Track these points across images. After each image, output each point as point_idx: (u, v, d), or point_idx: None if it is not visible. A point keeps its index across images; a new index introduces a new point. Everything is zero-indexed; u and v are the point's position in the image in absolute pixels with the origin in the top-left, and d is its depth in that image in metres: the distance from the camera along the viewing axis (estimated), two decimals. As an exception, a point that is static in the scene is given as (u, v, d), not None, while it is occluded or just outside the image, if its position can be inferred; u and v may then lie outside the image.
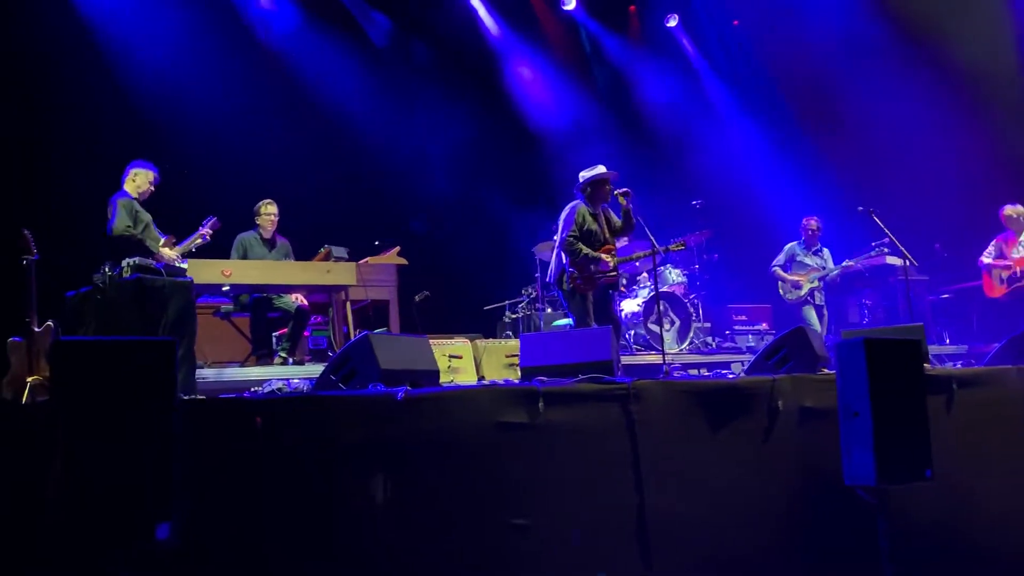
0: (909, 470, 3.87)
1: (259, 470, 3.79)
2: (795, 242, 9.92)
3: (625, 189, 7.28)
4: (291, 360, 7.75)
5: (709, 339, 9.92)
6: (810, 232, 9.80)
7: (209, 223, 7.09)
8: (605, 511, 4.32)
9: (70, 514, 2.59)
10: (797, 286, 9.71)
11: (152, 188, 6.80)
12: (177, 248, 6.70)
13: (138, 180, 6.73)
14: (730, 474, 4.61)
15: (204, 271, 7.00)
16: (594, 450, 4.39)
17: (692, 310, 9.73)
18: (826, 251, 9.93)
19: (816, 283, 9.64)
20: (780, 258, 9.94)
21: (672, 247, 7.71)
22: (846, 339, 4.01)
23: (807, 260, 9.80)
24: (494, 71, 12.26)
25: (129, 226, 6.30)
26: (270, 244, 8.07)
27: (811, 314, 9.65)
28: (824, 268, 9.74)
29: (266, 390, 4.62)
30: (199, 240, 6.95)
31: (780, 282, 9.85)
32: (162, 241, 6.56)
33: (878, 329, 6.99)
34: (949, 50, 10.91)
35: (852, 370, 3.83)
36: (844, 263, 9.71)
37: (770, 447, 4.75)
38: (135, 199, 6.65)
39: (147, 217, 6.63)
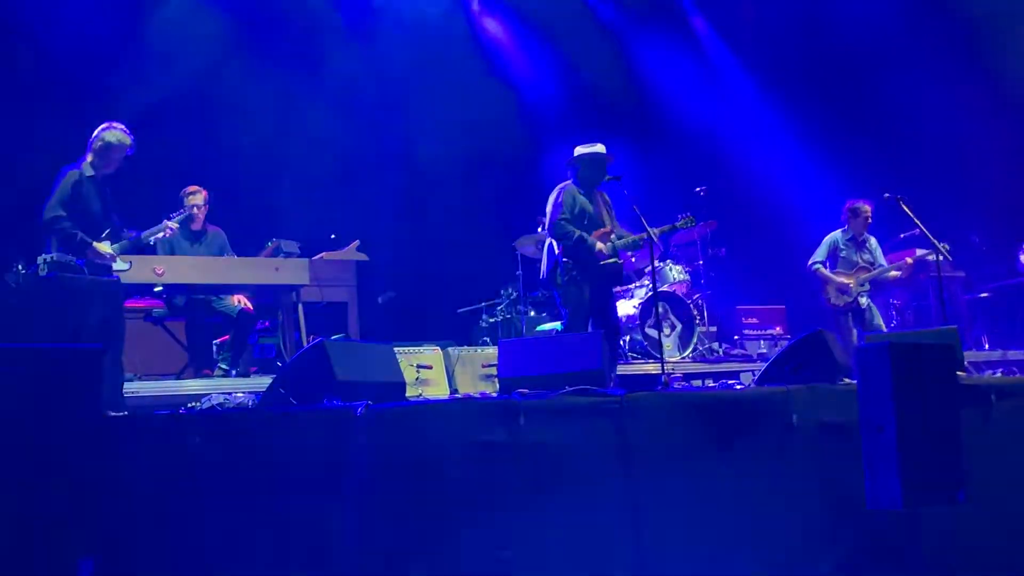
0: (940, 492, 3.91)
1: (198, 497, 3.80)
2: (838, 231, 9.41)
3: (617, 175, 7.30)
4: (234, 372, 7.73)
5: (715, 345, 9.97)
6: (861, 220, 9.25)
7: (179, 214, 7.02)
8: (596, 542, 4.35)
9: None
10: (844, 290, 9.17)
11: (118, 157, 6.43)
12: (122, 243, 6.53)
13: (100, 150, 6.37)
14: (737, 499, 4.65)
15: (134, 269, 6.93)
16: (583, 472, 4.42)
17: (696, 312, 9.78)
18: (873, 241, 9.45)
19: (867, 287, 9.19)
20: (821, 252, 9.38)
21: (679, 224, 7.67)
22: (868, 344, 4.05)
23: (852, 255, 9.29)
24: (470, 40, 12.26)
25: (60, 215, 6.10)
26: (197, 236, 7.96)
27: (850, 322, 9.23)
28: (872, 265, 9.28)
29: (205, 406, 4.61)
30: (160, 234, 6.84)
31: (824, 284, 9.28)
32: (106, 232, 6.35)
33: (907, 333, 7.06)
34: (988, 25, 11.01)
35: (875, 379, 3.87)
36: (901, 263, 9.32)
37: (783, 467, 4.79)
38: (90, 176, 6.35)
39: (97, 202, 6.37)
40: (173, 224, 6.94)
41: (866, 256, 9.33)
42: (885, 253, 9.60)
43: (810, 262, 9.41)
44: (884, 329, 9.12)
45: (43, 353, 2.80)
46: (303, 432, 4.06)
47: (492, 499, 4.24)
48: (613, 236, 7.38)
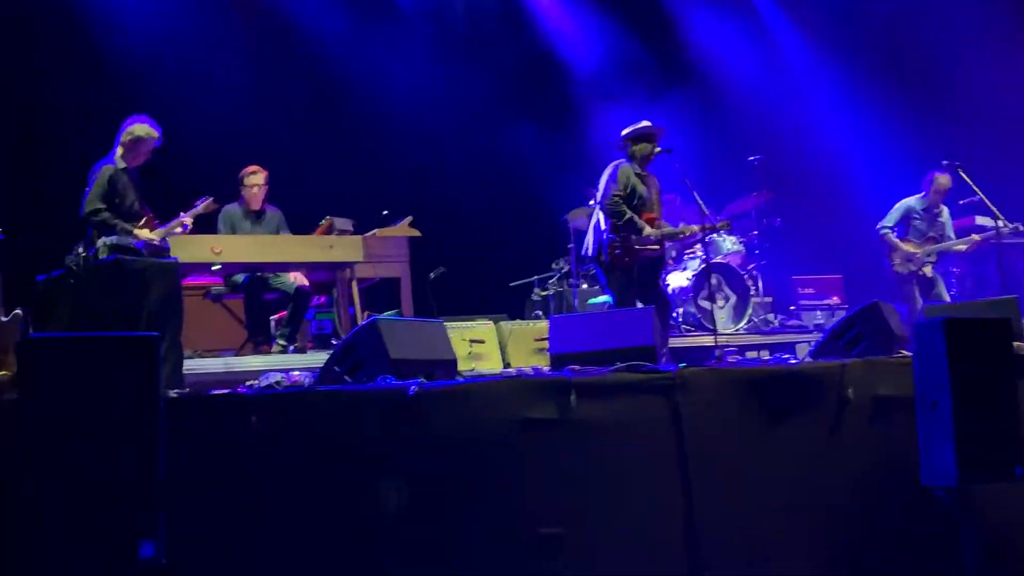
0: (995, 468, 3.87)
1: (257, 475, 3.88)
2: (913, 198, 9.32)
3: (668, 148, 7.25)
4: (292, 347, 7.84)
5: (770, 316, 9.88)
6: (939, 192, 9.15)
7: (202, 203, 7.11)
8: (647, 519, 4.37)
9: (40, 535, 2.67)
10: (910, 258, 9.15)
11: (147, 151, 6.67)
12: (158, 230, 6.72)
13: (129, 143, 6.62)
14: (791, 474, 4.64)
15: (191, 248, 7.09)
16: (634, 449, 4.43)
17: (750, 283, 9.70)
18: (945, 212, 9.35)
19: (934, 258, 9.15)
20: (891, 217, 9.32)
21: (718, 226, 7.68)
22: (923, 320, 4.01)
23: (923, 226, 9.23)
24: (520, 9, 12.19)
25: (100, 208, 6.32)
26: (256, 216, 8.09)
27: (915, 291, 9.20)
28: (943, 237, 9.22)
29: (263, 384, 4.67)
30: (178, 228, 6.96)
31: (892, 251, 9.24)
32: (142, 221, 6.57)
33: (965, 305, 6.95)
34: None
35: (930, 355, 3.84)
36: (970, 238, 9.16)
37: (838, 442, 4.77)
38: (123, 168, 6.61)
39: (132, 192, 6.58)
40: (188, 219, 7.03)
41: (937, 228, 9.24)
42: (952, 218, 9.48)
43: (879, 226, 9.32)
44: (945, 296, 9.02)
45: (101, 342, 2.88)
46: (358, 410, 4.11)
47: (542, 476, 4.27)
48: (658, 223, 7.36)
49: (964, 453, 3.75)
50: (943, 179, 9.13)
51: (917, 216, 9.23)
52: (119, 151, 6.60)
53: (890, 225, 9.26)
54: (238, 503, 3.80)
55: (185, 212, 7.03)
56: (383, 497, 4.02)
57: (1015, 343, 5.13)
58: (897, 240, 9.18)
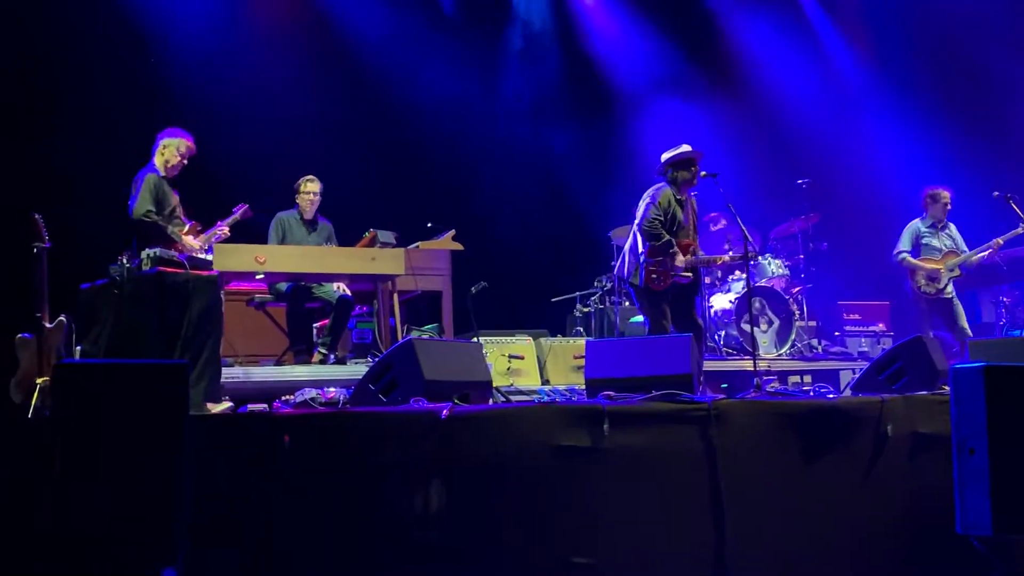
0: (1032, 519, 3.78)
1: (286, 495, 3.89)
2: (918, 219, 9.16)
3: (713, 172, 7.17)
4: (332, 356, 7.87)
5: (814, 342, 9.75)
6: (941, 206, 9.05)
7: (239, 211, 7.20)
8: (679, 551, 4.33)
9: (62, 557, 2.70)
10: (934, 277, 8.89)
11: (184, 161, 6.80)
12: (201, 237, 6.81)
13: (167, 153, 6.74)
14: (826, 511, 4.57)
15: (236, 257, 7.15)
16: (668, 480, 4.40)
17: (795, 307, 9.57)
18: (953, 227, 9.17)
19: (957, 272, 8.89)
20: (905, 242, 9.11)
21: (748, 255, 7.58)
22: (963, 366, 3.92)
23: (935, 242, 9.03)
24: (567, 28, 12.18)
25: (151, 210, 6.39)
26: (311, 225, 8.21)
27: (934, 314, 9.00)
28: (957, 250, 9.00)
29: (298, 400, 4.72)
30: (217, 234, 7.04)
31: (912, 273, 9.01)
32: (186, 228, 6.68)
33: (1009, 341, 6.81)
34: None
35: (968, 400, 3.76)
36: (991, 243, 8.84)
37: (875, 480, 4.70)
38: (164, 176, 6.74)
39: (174, 199, 6.73)
40: (226, 228, 7.09)
41: (947, 242, 9.07)
42: (1002, 248, 9.29)
43: (895, 252, 9.14)
44: (966, 326, 8.87)
45: (132, 369, 2.91)
46: (389, 433, 4.11)
47: (573, 504, 4.24)
48: (692, 249, 7.30)
49: (1000, 502, 3.67)
50: (941, 193, 9.04)
51: (926, 234, 9.09)
52: (158, 160, 6.72)
53: (906, 249, 9.09)
54: (268, 522, 3.81)
55: (223, 220, 7.11)
56: (413, 521, 4.02)
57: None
58: (917, 261, 9.01)
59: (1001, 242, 8.84)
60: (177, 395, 2.95)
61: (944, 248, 9.03)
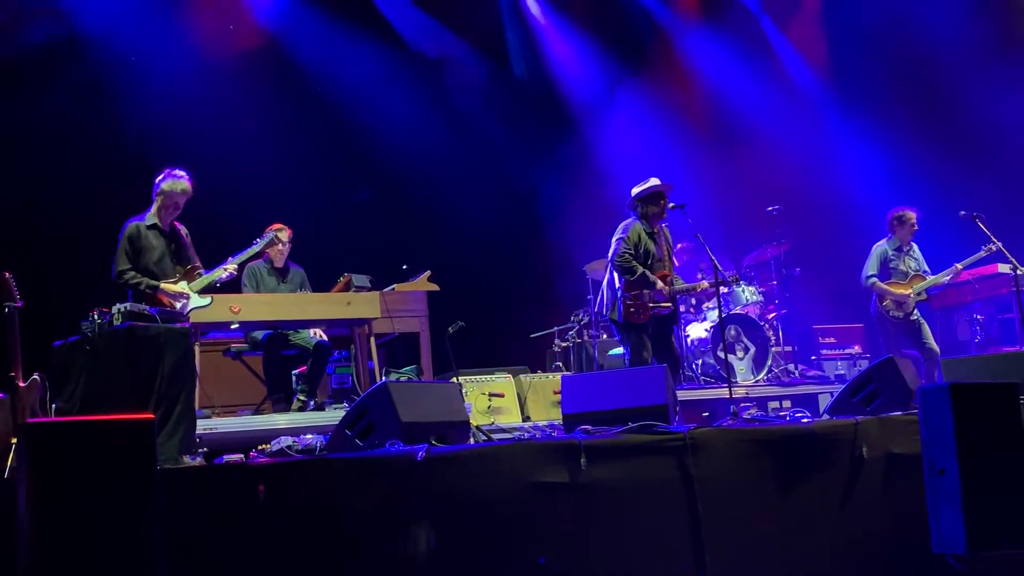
0: (1007, 535, 3.80)
1: (264, 545, 3.86)
2: (884, 241, 9.22)
3: (681, 203, 7.25)
4: (311, 402, 7.85)
5: (791, 367, 9.80)
6: (908, 228, 9.06)
7: (266, 238, 7.24)
8: (660, 582, 4.32)
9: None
10: (902, 301, 8.93)
11: (177, 205, 6.75)
12: (201, 279, 6.78)
13: (159, 200, 6.71)
14: (806, 536, 4.59)
15: (211, 308, 7.12)
16: (646, 511, 4.42)
17: (770, 333, 9.64)
18: (916, 248, 9.20)
19: (924, 296, 8.96)
20: (872, 265, 9.14)
21: (730, 280, 7.66)
22: (929, 385, 3.96)
23: (901, 265, 9.07)
24: (538, 65, 12.30)
25: (125, 270, 6.44)
26: (281, 274, 8.18)
27: (901, 336, 9.08)
28: (921, 272, 9.06)
29: (274, 448, 4.69)
30: (223, 273, 7.02)
31: (881, 298, 9.06)
32: (183, 271, 6.65)
33: (981, 358, 6.87)
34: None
35: (937, 420, 3.79)
36: (953, 268, 8.91)
37: (853, 502, 4.72)
38: (151, 225, 6.68)
39: (160, 247, 6.66)
40: (232, 266, 7.09)
41: (912, 264, 9.14)
42: (969, 268, 9.37)
43: (864, 276, 9.17)
44: (933, 345, 8.92)
45: (98, 426, 2.91)
46: (365, 477, 4.10)
47: (552, 540, 4.24)
48: (669, 280, 7.36)
49: (973, 520, 3.69)
50: (907, 215, 9.09)
51: (893, 258, 9.13)
52: (153, 207, 6.74)
53: (875, 273, 9.12)
54: (244, 573, 3.79)
55: (232, 257, 7.12)
56: (393, 564, 4.00)
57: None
58: (886, 286, 9.04)
59: (960, 268, 8.94)
60: (145, 450, 2.94)
61: (910, 271, 9.09)
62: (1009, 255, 7.94)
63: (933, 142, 11.20)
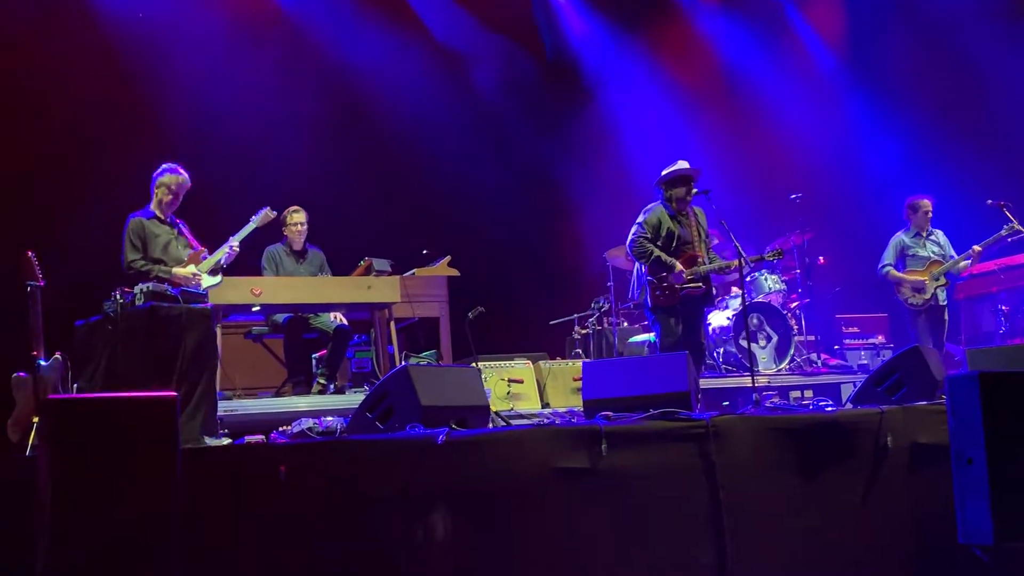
0: (1035, 528, 3.76)
1: (284, 526, 3.86)
2: (901, 232, 9.20)
3: (706, 189, 7.20)
4: (331, 386, 7.88)
5: (813, 356, 9.74)
6: (922, 215, 9.06)
7: (259, 214, 7.26)
8: (681, 569, 4.30)
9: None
10: (920, 288, 8.86)
11: (177, 196, 6.86)
12: (207, 260, 6.83)
13: (160, 192, 6.84)
14: (828, 525, 4.55)
15: (232, 290, 7.17)
16: (667, 498, 4.38)
17: (793, 322, 9.58)
18: (940, 234, 9.17)
19: (943, 280, 8.87)
20: (889, 255, 9.15)
21: (767, 256, 7.57)
22: (958, 374, 3.91)
23: (921, 251, 9.03)
24: (562, 50, 12.24)
25: (135, 259, 6.53)
26: (300, 256, 8.21)
27: (927, 323, 8.96)
28: (944, 257, 9.00)
29: (295, 430, 4.70)
30: (225, 252, 7.06)
31: (898, 286, 9.04)
32: (188, 256, 6.71)
33: (1009, 349, 6.79)
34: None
35: (965, 409, 3.74)
36: (970, 251, 8.79)
37: (877, 492, 4.68)
38: (154, 216, 6.78)
39: (165, 234, 6.75)
40: (235, 243, 7.11)
41: (934, 248, 9.06)
42: (995, 257, 9.27)
43: (880, 266, 9.18)
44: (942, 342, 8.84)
45: (121, 403, 2.91)
46: (387, 460, 4.09)
47: (574, 526, 4.22)
48: (700, 260, 7.30)
49: (1000, 511, 3.64)
50: (921, 202, 9.06)
51: (911, 245, 9.10)
52: (153, 201, 6.84)
53: (890, 262, 9.12)
54: (265, 553, 3.79)
55: (232, 236, 7.14)
56: (412, 547, 3.99)
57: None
58: (901, 274, 9.02)
59: (980, 249, 8.81)
60: (167, 428, 2.94)
61: (931, 256, 9.02)
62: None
63: (956, 126, 11.10)
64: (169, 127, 9.15)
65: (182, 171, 6.89)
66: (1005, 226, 8.47)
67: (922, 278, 8.90)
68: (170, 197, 6.77)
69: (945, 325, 8.94)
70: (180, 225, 6.96)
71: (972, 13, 11.21)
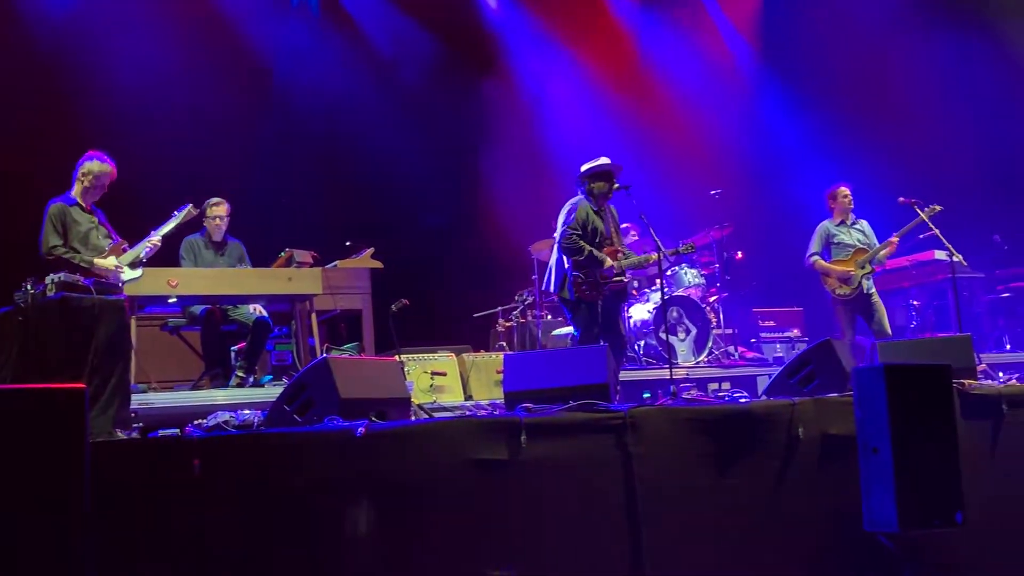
0: (937, 514, 3.88)
1: (198, 521, 3.81)
2: (827, 220, 9.18)
3: (626, 184, 7.28)
4: (250, 379, 7.77)
5: (731, 349, 9.92)
6: (842, 200, 9.04)
7: (182, 211, 7.12)
8: (598, 559, 4.34)
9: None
10: (846, 278, 8.79)
11: (102, 185, 6.73)
12: (127, 253, 6.70)
13: (85, 180, 6.69)
14: (742, 514, 4.63)
15: (148, 281, 7.02)
16: (585, 489, 4.42)
17: (712, 315, 9.74)
18: (864, 223, 9.14)
19: (868, 268, 8.78)
20: (815, 243, 9.07)
21: (681, 249, 7.68)
22: (864, 366, 4.02)
23: (846, 238, 8.97)
24: (483, 43, 12.24)
25: (56, 245, 6.38)
26: (219, 247, 8.07)
27: (854, 313, 8.91)
28: (869, 245, 8.95)
29: (210, 423, 4.62)
30: (147, 246, 6.93)
31: (825, 276, 8.97)
32: (107, 249, 6.56)
33: (918, 342, 7.01)
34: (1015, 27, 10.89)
35: (871, 401, 3.85)
36: (889, 240, 8.81)
37: (789, 481, 4.77)
38: (75, 203, 6.62)
39: (86, 223, 6.59)
40: (156, 239, 7.00)
41: (859, 236, 9.03)
42: (908, 253, 9.48)
43: (807, 255, 9.13)
44: (885, 325, 8.86)
45: (29, 393, 2.84)
46: (304, 453, 4.06)
47: (493, 517, 4.23)
48: (620, 255, 7.39)
49: (904, 500, 3.76)
50: (839, 190, 9.07)
51: (836, 233, 9.06)
52: (76, 188, 6.68)
53: (816, 251, 9.06)
54: (179, 550, 3.73)
55: (154, 230, 7.01)
56: (331, 541, 3.97)
57: (967, 381, 5.21)
58: (828, 264, 8.97)
59: (896, 240, 8.83)
60: (76, 420, 2.87)
61: (856, 244, 8.98)
62: (946, 241, 8.08)
63: (870, 123, 11.37)
64: (86, 117, 8.97)
65: (108, 160, 6.75)
66: (925, 209, 8.40)
67: (848, 268, 8.86)
68: (94, 185, 6.63)
69: (875, 310, 8.84)
70: (99, 214, 6.81)
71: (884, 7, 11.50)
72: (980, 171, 11.25)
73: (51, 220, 6.51)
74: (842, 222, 9.12)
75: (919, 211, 8.30)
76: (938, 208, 8.42)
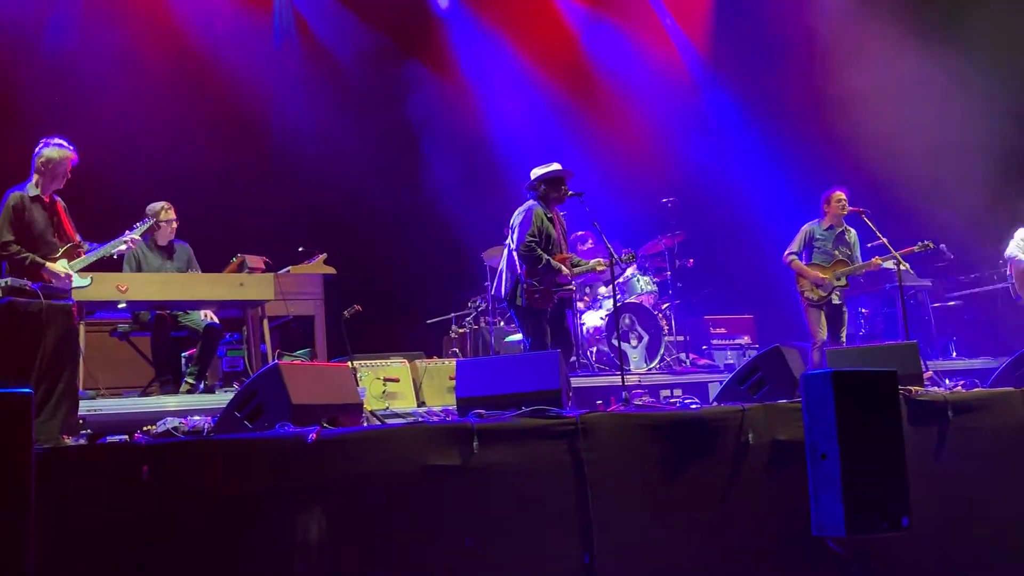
0: (884, 519, 3.95)
1: (147, 528, 3.77)
2: (814, 221, 9.13)
3: (579, 191, 7.32)
4: (200, 386, 7.70)
5: (683, 356, 10.00)
6: (836, 205, 8.97)
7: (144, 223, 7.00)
8: (550, 564, 4.36)
9: None
10: (820, 284, 8.84)
11: (61, 175, 6.20)
12: (90, 255, 6.42)
13: (44, 170, 6.14)
14: (693, 519, 4.67)
15: (97, 286, 6.87)
16: (537, 495, 4.43)
17: (664, 323, 9.81)
18: (853, 233, 9.10)
19: (844, 282, 8.84)
20: (796, 243, 9.07)
21: (623, 258, 7.70)
22: (812, 372, 4.08)
23: (828, 246, 8.98)
24: (436, 48, 12.25)
25: (8, 242, 5.92)
26: (165, 251, 7.96)
27: (822, 319, 8.92)
28: (851, 258, 8.99)
29: (160, 430, 4.57)
30: (122, 247, 6.73)
31: (799, 277, 8.98)
32: (61, 251, 6.30)
33: (866, 349, 7.11)
34: (957, 35, 11.07)
35: (819, 407, 3.91)
36: (871, 261, 8.77)
37: (738, 486, 4.82)
38: (34, 196, 6.14)
39: (43, 220, 6.14)
40: (136, 236, 6.85)
41: (844, 250, 9.04)
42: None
43: (785, 253, 9.15)
44: (842, 336, 8.99)
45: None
46: (254, 459, 4.03)
47: (445, 523, 4.24)
48: (570, 261, 7.44)
49: (852, 504, 3.81)
50: (835, 194, 9.04)
51: (819, 239, 9.07)
52: (34, 177, 6.18)
53: (796, 251, 9.08)
54: (127, 557, 3.69)
55: (131, 229, 6.82)
56: (281, 547, 3.95)
57: (914, 388, 5.30)
58: (804, 266, 9.00)
59: (879, 262, 8.80)
60: (21, 426, 2.84)
61: (838, 255, 8.98)
62: (893, 250, 8.22)
63: (823, 138, 11.50)
64: (35, 121, 8.79)
65: (68, 145, 6.25)
66: (919, 243, 8.46)
67: (825, 276, 8.89)
68: (55, 174, 6.15)
69: (842, 321, 8.96)
70: (60, 207, 6.39)
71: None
72: (925, 181, 11.39)
73: (6, 213, 6.00)
74: (830, 227, 9.10)
75: (867, 220, 8.44)
76: (931, 245, 8.54)
